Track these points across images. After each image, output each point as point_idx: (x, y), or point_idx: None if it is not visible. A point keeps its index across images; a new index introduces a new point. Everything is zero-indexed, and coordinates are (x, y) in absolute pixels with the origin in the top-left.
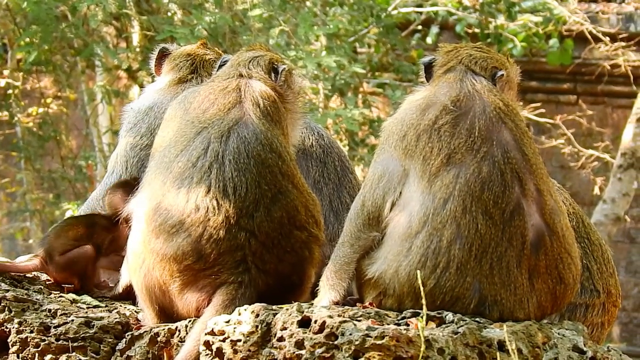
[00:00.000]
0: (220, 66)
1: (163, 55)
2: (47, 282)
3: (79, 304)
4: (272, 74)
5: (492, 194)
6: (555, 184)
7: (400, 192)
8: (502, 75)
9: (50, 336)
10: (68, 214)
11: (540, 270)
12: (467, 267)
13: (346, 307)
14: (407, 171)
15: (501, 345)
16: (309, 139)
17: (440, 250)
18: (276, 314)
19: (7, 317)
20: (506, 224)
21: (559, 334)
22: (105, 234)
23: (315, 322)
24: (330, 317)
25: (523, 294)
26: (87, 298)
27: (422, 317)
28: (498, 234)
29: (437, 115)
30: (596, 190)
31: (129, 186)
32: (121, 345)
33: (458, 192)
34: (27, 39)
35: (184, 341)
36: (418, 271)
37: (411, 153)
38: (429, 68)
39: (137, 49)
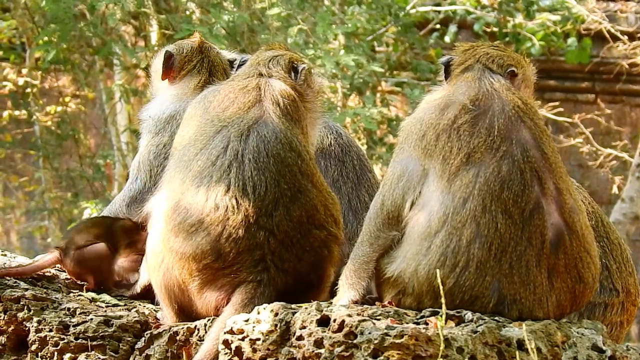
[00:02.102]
0: (240, 66)
1: (170, 58)
2: (66, 281)
3: (98, 303)
4: (292, 73)
5: (511, 193)
6: (574, 182)
7: (420, 192)
8: (517, 73)
9: (69, 335)
10: (86, 213)
11: (559, 269)
12: (487, 266)
13: (365, 306)
14: (426, 171)
15: (520, 344)
16: (328, 138)
17: (459, 250)
18: (295, 312)
19: (26, 315)
20: (526, 223)
21: (578, 332)
22: (125, 237)
23: (335, 321)
24: (350, 316)
25: (542, 293)
26: (106, 297)
27: (441, 316)
28: (518, 233)
29: (456, 114)
30: (614, 189)
31: None
32: (140, 344)
33: (478, 192)
34: (46, 38)
35: (203, 340)
36: (437, 270)
37: (430, 153)
38: (447, 67)
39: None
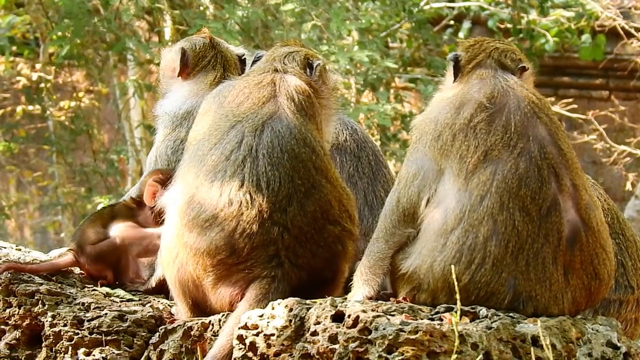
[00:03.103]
0: (255, 62)
1: (184, 54)
2: (81, 276)
3: (112, 298)
4: (307, 70)
5: (529, 190)
6: (589, 179)
7: (436, 189)
8: (527, 68)
9: (84, 330)
10: (99, 208)
11: (575, 266)
12: (503, 263)
13: (380, 301)
14: (442, 170)
15: (535, 341)
16: (343, 133)
17: (476, 246)
18: (310, 308)
19: (40, 310)
20: (543, 220)
21: (592, 329)
22: (128, 214)
23: (349, 316)
24: (364, 311)
25: (558, 290)
26: (120, 292)
27: (455, 312)
28: (535, 230)
29: (473, 113)
30: (628, 186)
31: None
32: (154, 339)
33: (495, 189)
34: (60, 33)
35: (217, 335)
36: (452, 266)
37: (447, 153)
38: (456, 64)
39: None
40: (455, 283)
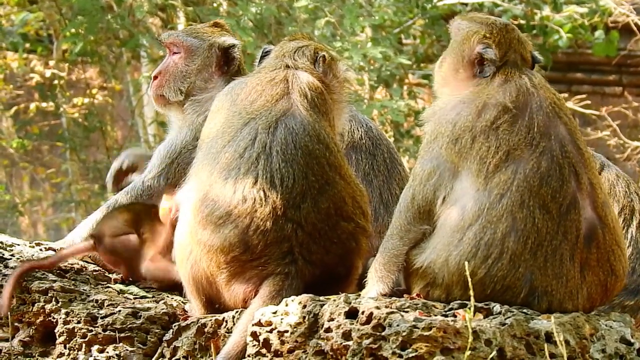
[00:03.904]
0: (263, 57)
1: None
2: (94, 273)
3: (126, 295)
4: (317, 64)
5: (550, 189)
6: (618, 170)
7: (452, 188)
8: (540, 60)
9: (97, 327)
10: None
11: (591, 263)
12: (521, 258)
13: (393, 298)
14: (459, 171)
15: (548, 337)
16: (358, 131)
17: (493, 242)
18: (323, 305)
19: (54, 307)
20: (562, 218)
21: (606, 325)
22: (149, 221)
23: (363, 313)
24: (378, 308)
25: (573, 286)
26: (134, 289)
27: (469, 309)
28: (554, 228)
29: (496, 115)
30: None
31: None
32: (168, 336)
33: (516, 188)
34: (73, 30)
35: (231, 332)
36: (466, 262)
37: (465, 155)
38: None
39: None
40: (470, 281)
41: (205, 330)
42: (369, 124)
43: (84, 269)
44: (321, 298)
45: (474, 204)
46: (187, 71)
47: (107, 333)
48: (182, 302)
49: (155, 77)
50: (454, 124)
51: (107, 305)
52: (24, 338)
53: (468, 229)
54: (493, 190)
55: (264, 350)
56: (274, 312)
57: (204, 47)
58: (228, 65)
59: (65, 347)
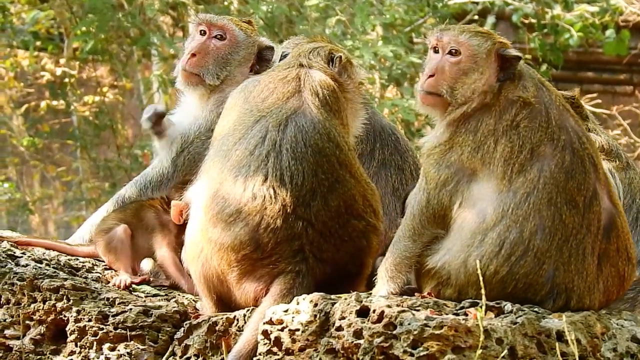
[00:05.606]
0: (281, 59)
1: None
2: (105, 271)
3: (137, 293)
4: (331, 64)
5: (575, 182)
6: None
7: (469, 192)
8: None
9: (108, 325)
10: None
11: (610, 253)
12: (547, 255)
13: (404, 296)
14: (478, 175)
15: (560, 336)
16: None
17: (518, 241)
18: (335, 303)
19: (65, 305)
20: (586, 210)
21: (617, 324)
22: (154, 217)
23: (374, 311)
24: (389, 306)
25: (591, 281)
26: (145, 287)
27: (481, 307)
28: (579, 221)
29: (516, 112)
30: None
31: None
32: (179, 334)
33: (543, 185)
34: (84, 28)
35: (242, 330)
36: (477, 260)
37: (489, 160)
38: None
39: None
40: (481, 278)
41: (217, 328)
42: (397, 135)
43: (95, 266)
44: (332, 296)
45: (497, 206)
46: (230, 60)
47: (118, 331)
48: (193, 300)
49: (194, 55)
50: (475, 131)
51: (118, 304)
52: (35, 336)
53: (491, 230)
54: (519, 190)
55: (275, 349)
56: (285, 311)
57: (249, 42)
58: (260, 65)
59: (76, 345)
